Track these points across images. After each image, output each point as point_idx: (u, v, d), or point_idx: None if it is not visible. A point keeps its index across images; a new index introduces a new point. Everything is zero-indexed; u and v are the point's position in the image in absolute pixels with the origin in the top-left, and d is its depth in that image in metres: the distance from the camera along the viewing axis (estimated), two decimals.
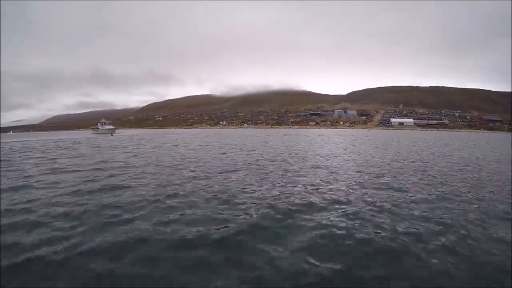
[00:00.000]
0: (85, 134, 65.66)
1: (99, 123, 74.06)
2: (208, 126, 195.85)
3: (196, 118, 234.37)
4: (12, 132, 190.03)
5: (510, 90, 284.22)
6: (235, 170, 9.60)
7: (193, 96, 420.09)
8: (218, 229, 4.20)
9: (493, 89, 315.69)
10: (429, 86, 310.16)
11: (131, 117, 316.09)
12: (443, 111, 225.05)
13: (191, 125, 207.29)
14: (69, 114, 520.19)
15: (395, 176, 8.79)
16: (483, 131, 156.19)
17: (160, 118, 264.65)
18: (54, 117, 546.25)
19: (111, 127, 72.05)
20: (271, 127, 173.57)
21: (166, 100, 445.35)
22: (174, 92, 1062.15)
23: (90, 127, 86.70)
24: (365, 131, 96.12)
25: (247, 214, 4.95)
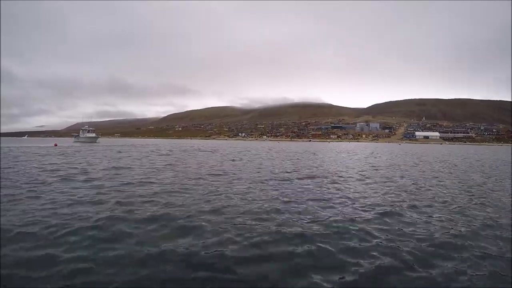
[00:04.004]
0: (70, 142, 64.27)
1: (81, 130, 68.35)
2: (226, 138, 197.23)
3: (215, 130, 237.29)
4: (27, 136, 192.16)
5: None
6: None
7: (213, 107, 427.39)
8: None
9: None
10: (453, 98, 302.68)
11: (151, 127, 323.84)
12: (467, 124, 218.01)
13: (209, 136, 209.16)
14: (89, 122, 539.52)
15: None
16: None
17: (180, 129, 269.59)
18: (75, 124, 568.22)
19: (93, 135, 65.66)
20: (291, 140, 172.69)
21: (186, 111, 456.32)
22: (194, 104, 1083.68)
23: (72, 134, 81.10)
24: (396, 145, 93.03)
25: None
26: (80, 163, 15.12)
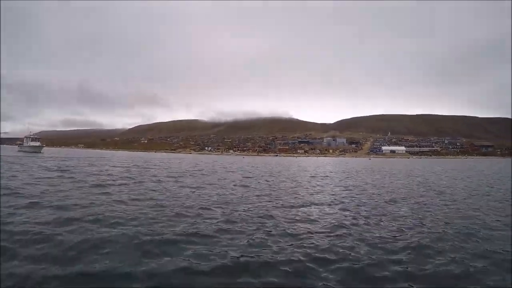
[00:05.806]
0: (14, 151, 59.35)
1: (25, 138, 63.87)
2: (192, 152, 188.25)
3: (181, 143, 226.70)
4: None
5: (497, 116, 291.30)
6: None
7: (181, 120, 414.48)
8: None
9: (480, 116, 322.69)
10: (417, 114, 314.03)
11: (116, 138, 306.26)
12: (432, 138, 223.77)
13: (174, 149, 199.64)
14: (55, 131, 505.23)
15: None
16: (477, 157, 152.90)
17: (145, 141, 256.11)
18: (40, 132, 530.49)
19: (38, 144, 60.31)
20: (257, 154, 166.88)
21: (154, 123, 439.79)
22: (163, 116, 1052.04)
23: (17, 142, 75.01)
24: (366, 160, 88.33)
25: None
26: None
